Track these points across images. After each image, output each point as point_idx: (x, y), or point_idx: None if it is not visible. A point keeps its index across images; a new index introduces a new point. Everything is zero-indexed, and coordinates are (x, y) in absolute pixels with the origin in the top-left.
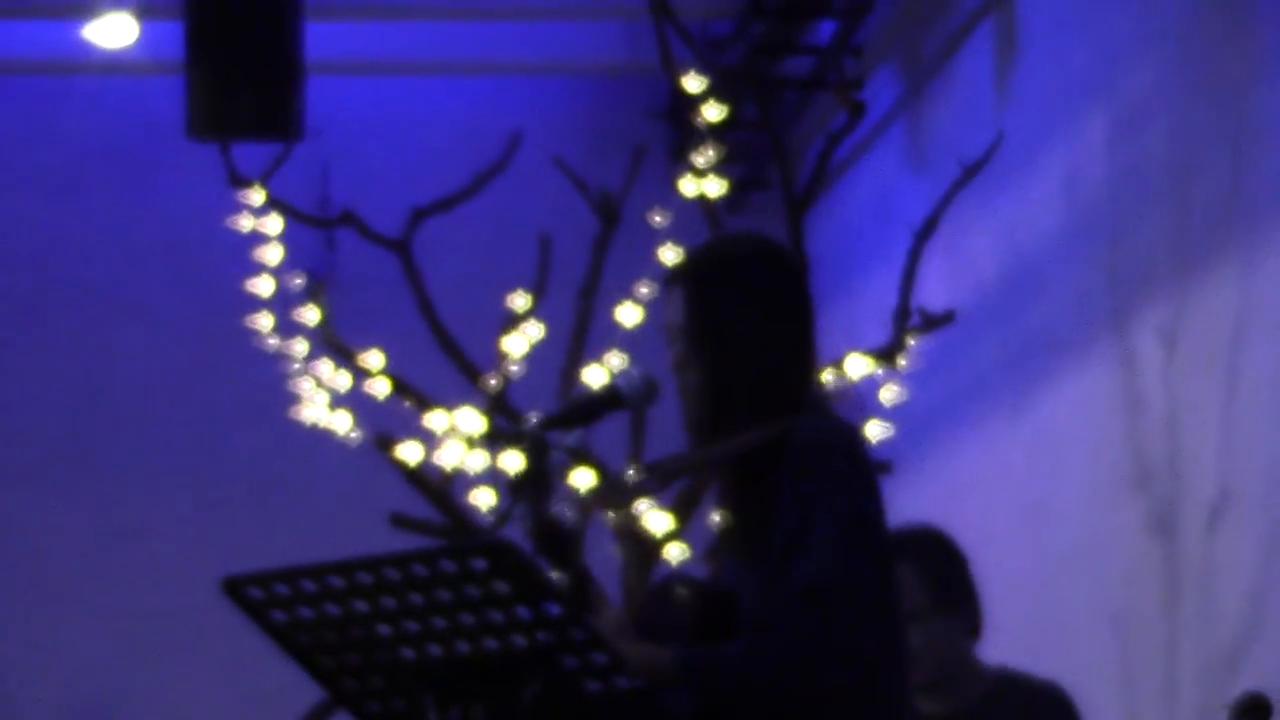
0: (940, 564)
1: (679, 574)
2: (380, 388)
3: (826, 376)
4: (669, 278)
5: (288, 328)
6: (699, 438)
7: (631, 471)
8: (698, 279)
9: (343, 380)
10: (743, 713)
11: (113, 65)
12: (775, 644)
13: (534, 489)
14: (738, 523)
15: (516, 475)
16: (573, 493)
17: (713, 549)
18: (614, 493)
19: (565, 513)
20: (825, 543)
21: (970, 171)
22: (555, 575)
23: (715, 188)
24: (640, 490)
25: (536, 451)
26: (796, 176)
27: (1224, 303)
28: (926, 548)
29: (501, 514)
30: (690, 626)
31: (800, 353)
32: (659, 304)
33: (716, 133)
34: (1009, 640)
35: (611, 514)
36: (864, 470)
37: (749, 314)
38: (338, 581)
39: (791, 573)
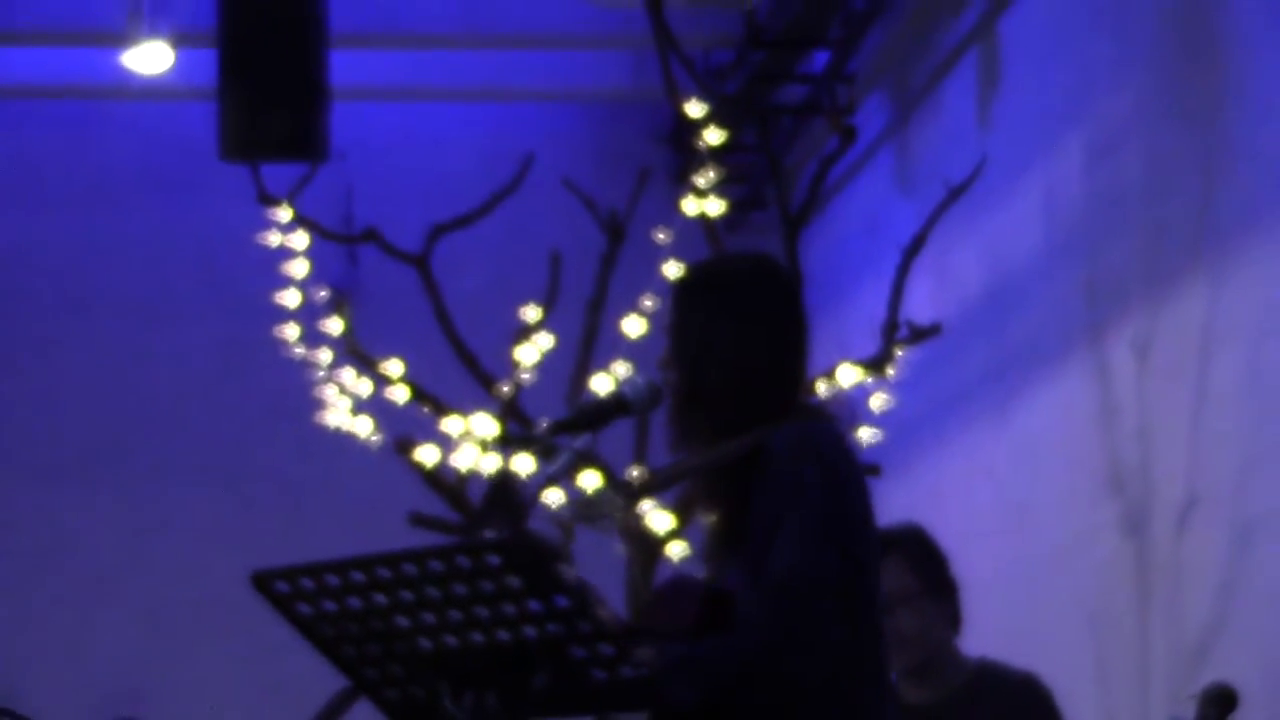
0: (928, 554)
1: (682, 575)
2: (400, 394)
3: (820, 385)
4: (672, 283)
5: (313, 337)
6: (673, 432)
7: (610, 490)
8: (691, 288)
9: (364, 387)
10: (728, 704)
11: (150, 91)
12: (746, 638)
13: (506, 508)
14: (722, 524)
15: (486, 498)
16: (555, 511)
17: (705, 549)
18: (593, 506)
19: (549, 529)
20: (794, 540)
21: (955, 193)
22: (565, 570)
23: (715, 207)
24: (618, 507)
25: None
26: (792, 197)
27: (1193, 316)
28: (914, 540)
29: (483, 515)
30: (693, 626)
31: (785, 364)
32: (663, 316)
33: (717, 156)
34: (991, 633)
35: (596, 524)
36: (838, 470)
37: (730, 325)
38: (359, 576)
39: (765, 569)
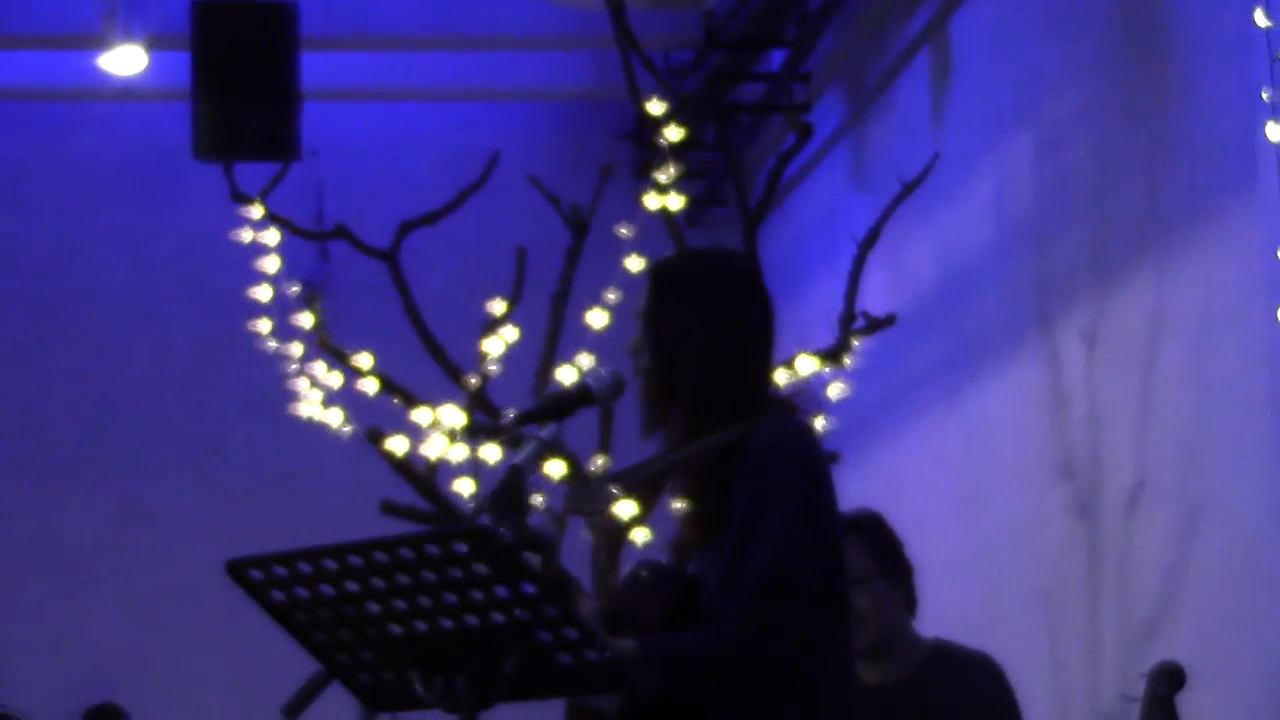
0: (883, 540)
1: (649, 562)
2: (370, 386)
3: (779, 375)
4: (647, 270)
5: (285, 331)
6: (645, 419)
7: (602, 481)
8: (661, 282)
9: (335, 379)
10: (700, 697)
11: (125, 93)
12: (729, 634)
13: (512, 506)
14: (698, 515)
15: (493, 499)
16: (550, 508)
17: (674, 539)
18: (587, 501)
19: (543, 524)
20: (776, 539)
21: (909, 188)
22: (530, 557)
23: (676, 203)
24: (611, 498)
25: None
26: (750, 192)
27: (1141, 306)
28: (870, 526)
29: (480, 503)
30: (660, 613)
31: (756, 358)
32: (626, 309)
33: (677, 153)
34: (945, 614)
35: (591, 516)
36: (816, 470)
37: (704, 319)
38: (331, 564)
39: (745, 566)
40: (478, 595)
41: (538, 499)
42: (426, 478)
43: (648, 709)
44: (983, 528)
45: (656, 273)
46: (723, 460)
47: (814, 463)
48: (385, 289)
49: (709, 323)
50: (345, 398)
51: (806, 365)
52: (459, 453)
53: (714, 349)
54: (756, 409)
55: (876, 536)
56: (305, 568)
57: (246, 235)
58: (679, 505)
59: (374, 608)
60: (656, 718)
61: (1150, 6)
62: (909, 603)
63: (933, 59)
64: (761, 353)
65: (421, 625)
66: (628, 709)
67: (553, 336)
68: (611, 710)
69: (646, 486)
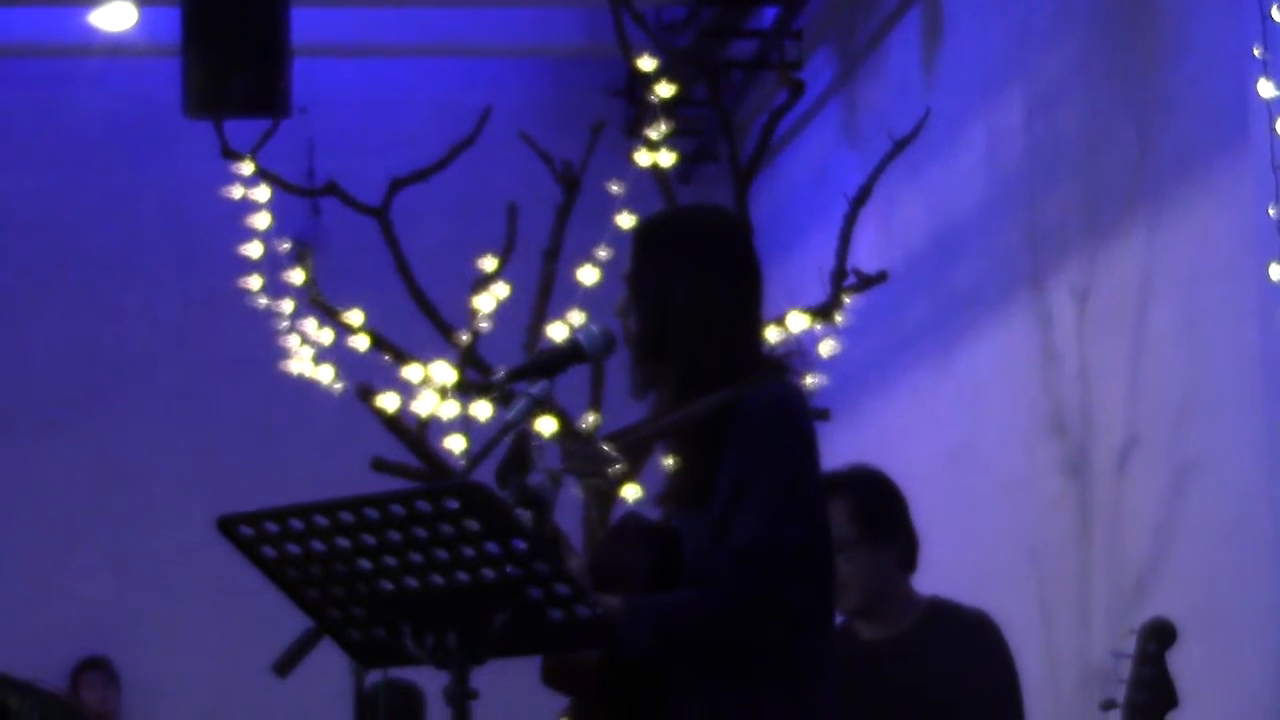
0: (871, 501)
1: (635, 515)
2: (361, 343)
3: (770, 332)
4: (632, 232)
5: (276, 288)
6: (635, 380)
7: (602, 444)
8: (647, 240)
9: (326, 336)
10: (685, 657)
11: (114, 49)
12: (716, 597)
13: (516, 470)
14: (686, 474)
15: (503, 462)
16: (548, 467)
17: (662, 495)
18: (588, 463)
19: (540, 482)
20: (764, 505)
21: (900, 145)
22: (521, 513)
23: (667, 159)
24: (611, 461)
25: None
26: (742, 149)
27: (1131, 264)
28: (860, 486)
29: (472, 459)
30: (644, 568)
31: (745, 315)
32: (617, 266)
33: (668, 109)
34: (936, 571)
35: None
36: (806, 435)
37: (692, 277)
38: (322, 520)
39: (732, 530)
40: (469, 551)
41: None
42: (417, 435)
43: (629, 665)
44: (973, 485)
45: (640, 232)
46: (714, 422)
47: (804, 428)
48: (376, 245)
49: (695, 279)
50: (336, 354)
51: (797, 322)
52: (450, 409)
53: (702, 305)
54: (748, 369)
55: (862, 498)
56: (296, 524)
57: (237, 192)
58: (669, 463)
59: (365, 564)
60: (637, 674)
61: None
62: (904, 561)
63: (924, 16)
64: (750, 308)
65: (412, 581)
66: (610, 664)
67: (544, 293)
68: (591, 664)
69: (640, 448)
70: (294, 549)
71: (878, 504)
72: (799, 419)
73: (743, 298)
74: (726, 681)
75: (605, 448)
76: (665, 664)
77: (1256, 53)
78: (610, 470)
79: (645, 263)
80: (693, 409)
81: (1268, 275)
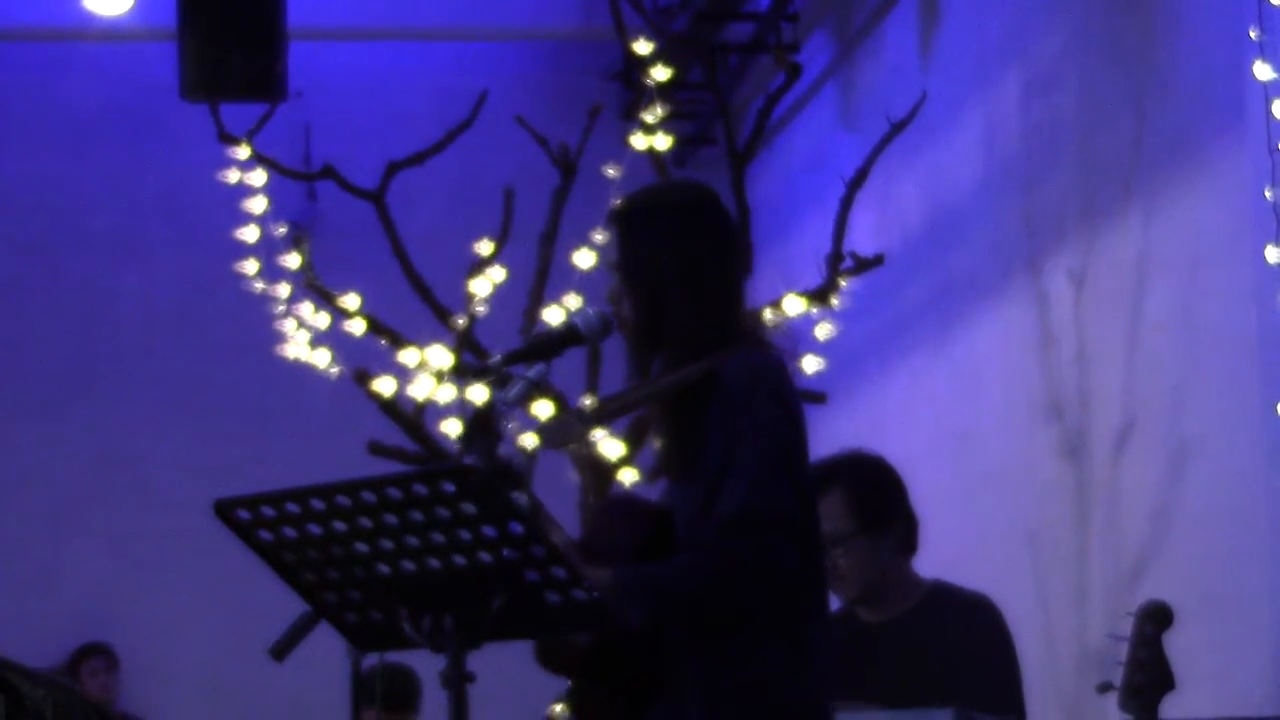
0: (869, 489)
1: (625, 493)
2: (357, 327)
3: (766, 315)
4: (608, 219)
5: (272, 272)
6: (633, 365)
7: (572, 414)
8: (628, 221)
9: (323, 320)
10: (678, 626)
11: (111, 33)
12: (704, 565)
13: (485, 436)
14: (672, 448)
15: (467, 426)
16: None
17: (654, 469)
18: (560, 432)
19: (513, 454)
20: (750, 473)
21: (897, 128)
22: (518, 497)
23: (664, 143)
24: (585, 428)
25: (489, 400)
26: (738, 132)
27: (1128, 247)
28: (857, 474)
29: (463, 445)
30: (634, 543)
31: (728, 284)
32: (613, 249)
33: (665, 93)
34: (935, 553)
35: (562, 449)
36: (787, 403)
37: (672, 250)
38: (319, 504)
39: (719, 499)
40: (465, 535)
41: (510, 426)
42: (414, 418)
43: (624, 645)
44: (971, 468)
45: (619, 215)
46: (695, 393)
47: (786, 398)
48: (372, 229)
49: (680, 251)
50: (332, 338)
51: (794, 305)
52: (446, 393)
53: (689, 274)
54: (732, 339)
55: (858, 490)
56: (293, 508)
57: (233, 176)
58: (655, 437)
59: (361, 547)
60: (632, 654)
61: None
62: (904, 544)
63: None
64: (733, 276)
65: (409, 565)
66: (605, 645)
67: (540, 277)
68: (587, 645)
69: (616, 418)
70: (290, 533)
71: (873, 494)
72: (779, 385)
73: (726, 266)
74: (723, 650)
75: (574, 419)
76: (658, 636)
77: (1253, 35)
78: (581, 441)
79: (629, 243)
80: (667, 380)
81: (1264, 258)
